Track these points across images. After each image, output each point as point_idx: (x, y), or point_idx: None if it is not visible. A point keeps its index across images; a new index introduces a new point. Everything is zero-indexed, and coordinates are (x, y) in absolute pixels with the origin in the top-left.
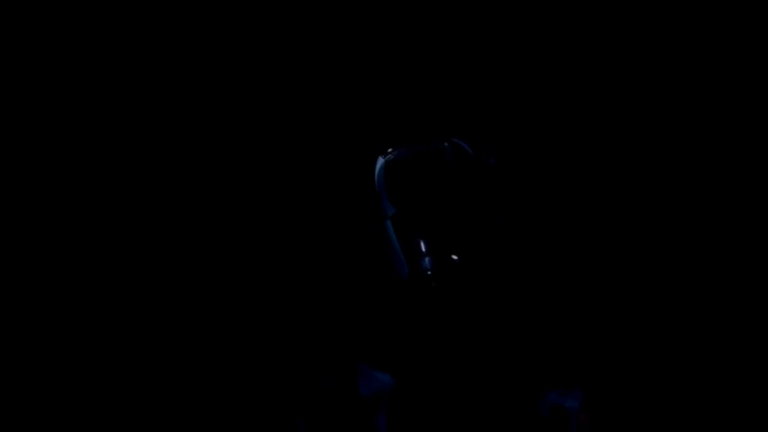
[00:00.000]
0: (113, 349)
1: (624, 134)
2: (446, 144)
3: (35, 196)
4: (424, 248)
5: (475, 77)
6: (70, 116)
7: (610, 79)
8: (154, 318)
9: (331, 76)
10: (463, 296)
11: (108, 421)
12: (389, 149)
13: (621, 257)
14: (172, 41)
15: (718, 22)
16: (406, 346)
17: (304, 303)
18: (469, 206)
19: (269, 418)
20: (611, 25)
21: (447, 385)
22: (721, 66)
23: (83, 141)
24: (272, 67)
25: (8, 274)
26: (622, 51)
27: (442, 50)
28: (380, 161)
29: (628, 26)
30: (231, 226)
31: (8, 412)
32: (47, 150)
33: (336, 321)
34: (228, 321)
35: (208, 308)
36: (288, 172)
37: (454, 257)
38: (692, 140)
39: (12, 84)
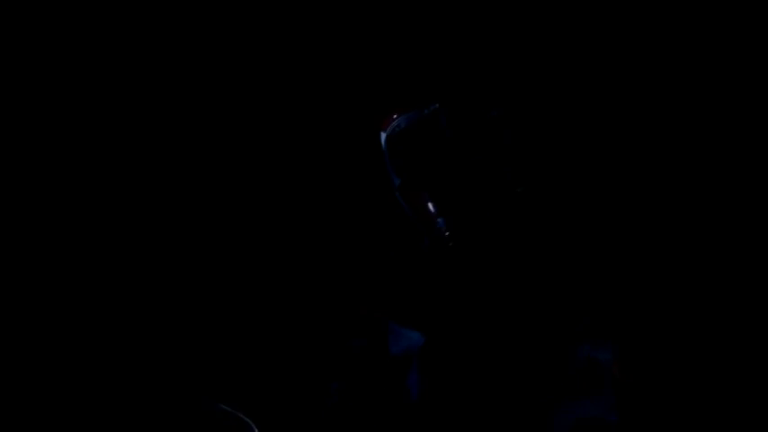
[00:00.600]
0: (113, 349)
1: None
2: (436, 105)
3: (35, 196)
4: (434, 210)
5: (466, 24)
6: (70, 116)
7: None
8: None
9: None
10: (482, 252)
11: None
12: (394, 117)
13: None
14: (172, 41)
15: (718, 22)
16: (434, 305)
17: (331, 266)
18: (475, 162)
19: (301, 380)
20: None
21: (476, 341)
22: (721, 66)
23: (83, 141)
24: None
25: (8, 275)
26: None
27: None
28: (383, 136)
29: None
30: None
31: (8, 412)
32: (47, 150)
33: (365, 282)
34: (256, 284)
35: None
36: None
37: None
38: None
39: (11, 84)
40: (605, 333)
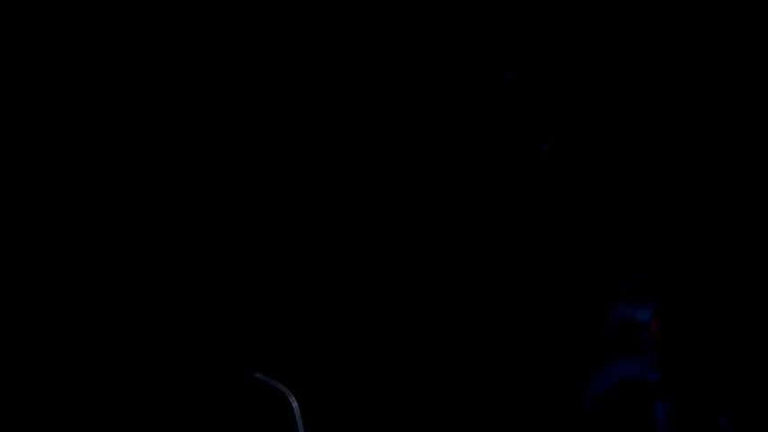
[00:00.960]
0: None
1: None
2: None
3: (35, 196)
4: None
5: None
6: (70, 116)
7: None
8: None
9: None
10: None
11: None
12: None
13: None
14: (172, 41)
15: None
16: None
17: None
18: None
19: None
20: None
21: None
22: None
23: (83, 141)
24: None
25: (8, 275)
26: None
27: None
28: None
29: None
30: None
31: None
32: (47, 150)
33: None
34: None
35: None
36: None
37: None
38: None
39: (12, 84)
40: (643, 292)
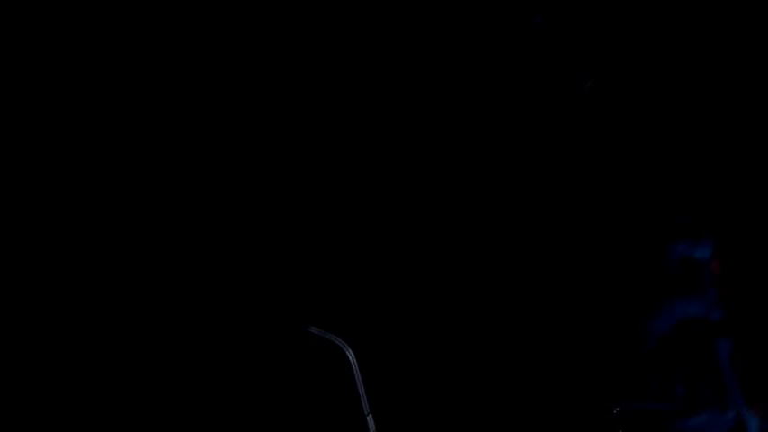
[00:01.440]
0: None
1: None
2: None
3: (35, 196)
4: None
5: None
6: (70, 116)
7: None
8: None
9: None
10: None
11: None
12: None
13: None
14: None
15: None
16: None
17: None
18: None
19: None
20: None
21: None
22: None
23: (83, 141)
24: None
25: (8, 275)
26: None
27: None
28: None
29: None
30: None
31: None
32: (47, 150)
33: None
34: None
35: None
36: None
37: None
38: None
39: (12, 84)
40: (702, 230)
